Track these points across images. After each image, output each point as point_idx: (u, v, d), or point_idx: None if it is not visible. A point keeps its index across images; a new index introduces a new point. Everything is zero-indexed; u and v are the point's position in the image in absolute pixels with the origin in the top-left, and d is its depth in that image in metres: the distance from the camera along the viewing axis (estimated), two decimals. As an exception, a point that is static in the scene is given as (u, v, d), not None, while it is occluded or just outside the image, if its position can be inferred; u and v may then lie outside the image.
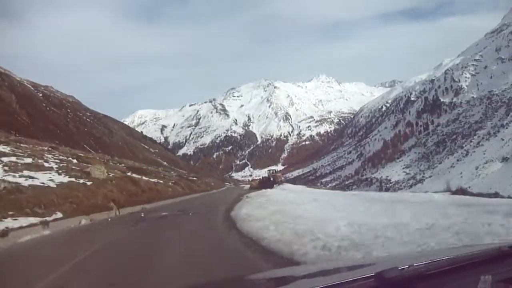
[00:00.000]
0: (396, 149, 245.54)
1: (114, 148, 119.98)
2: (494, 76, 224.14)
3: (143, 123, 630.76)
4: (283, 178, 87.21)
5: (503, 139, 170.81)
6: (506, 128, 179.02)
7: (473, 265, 2.52)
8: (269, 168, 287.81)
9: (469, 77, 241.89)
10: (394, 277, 2.20)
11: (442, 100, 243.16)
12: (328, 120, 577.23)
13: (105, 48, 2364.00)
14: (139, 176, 41.54)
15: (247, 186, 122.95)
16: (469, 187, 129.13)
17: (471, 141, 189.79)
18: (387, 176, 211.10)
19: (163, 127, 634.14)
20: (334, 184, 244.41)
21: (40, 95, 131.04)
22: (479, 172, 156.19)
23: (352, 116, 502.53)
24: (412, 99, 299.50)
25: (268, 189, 48.99)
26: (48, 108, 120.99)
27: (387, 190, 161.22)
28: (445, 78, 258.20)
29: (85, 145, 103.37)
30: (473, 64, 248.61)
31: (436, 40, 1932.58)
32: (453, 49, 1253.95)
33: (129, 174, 39.49)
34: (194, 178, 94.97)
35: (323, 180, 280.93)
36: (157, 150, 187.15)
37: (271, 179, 75.90)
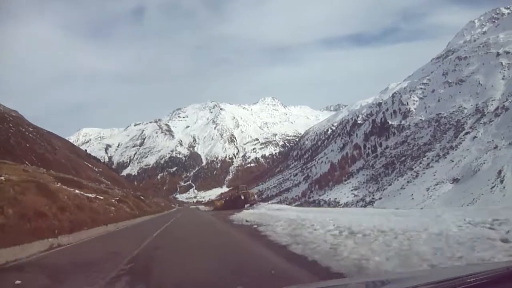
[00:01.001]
0: (343, 171, 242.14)
1: (57, 165, 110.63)
2: (442, 99, 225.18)
3: (87, 141, 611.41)
4: (256, 197, 67.79)
5: (452, 161, 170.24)
6: (455, 149, 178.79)
7: (480, 286, 2.45)
8: (223, 188, 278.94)
9: (417, 100, 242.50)
10: None
11: (390, 122, 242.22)
12: (273, 142, 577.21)
13: (51, 64, 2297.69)
14: (64, 186, 27.71)
15: (203, 207, 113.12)
16: (421, 208, 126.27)
17: (420, 163, 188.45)
18: (335, 198, 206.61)
19: (108, 146, 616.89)
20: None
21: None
22: (430, 193, 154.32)
23: (297, 139, 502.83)
24: (359, 122, 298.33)
25: (245, 211, 38.90)
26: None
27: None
28: (393, 101, 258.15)
29: (26, 162, 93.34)
30: (420, 88, 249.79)
31: (381, 65, 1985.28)
32: (398, 74, 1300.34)
33: (48, 181, 26.90)
34: (142, 197, 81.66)
35: (270, 202, 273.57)
36: (101, 169, 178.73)
37: (242, 197, 61.39)
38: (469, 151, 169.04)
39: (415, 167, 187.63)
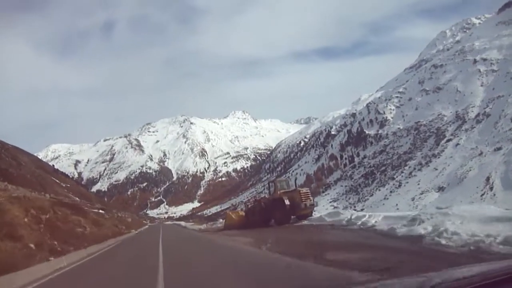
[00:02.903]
0: (320, 183, 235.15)
1: (22, 181, 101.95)
2: (420, 107, 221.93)
3: (56, 157, 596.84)
4: (312, 199, 34.84)
5: (436, 169, 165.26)
6: (438, 157, 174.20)
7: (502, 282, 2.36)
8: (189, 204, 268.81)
9: (393, 109, 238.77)
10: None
11: (367, 132, 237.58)
12: (245, 156, 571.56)
13: (18, 79, 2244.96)
14: None
15: (186, 224, 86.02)
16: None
17: (402, 172, 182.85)
18: (314, 211, 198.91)
19: (77, 162, 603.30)
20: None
21: None
22: (415, 203, 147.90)
23: (268, 152, 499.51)
24: (333, 133, 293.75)
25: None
26: None
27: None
28: (368, 111, 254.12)
29: None
30: (397, 96, 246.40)
31: (351, 78, 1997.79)
32: (368, 86, 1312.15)
33: None
34: (101, 211, 61.89)
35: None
36: (68, 185, 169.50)
37: (287, 202, 30.47)
38: (453, 159, 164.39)
39: (397, 177, 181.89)
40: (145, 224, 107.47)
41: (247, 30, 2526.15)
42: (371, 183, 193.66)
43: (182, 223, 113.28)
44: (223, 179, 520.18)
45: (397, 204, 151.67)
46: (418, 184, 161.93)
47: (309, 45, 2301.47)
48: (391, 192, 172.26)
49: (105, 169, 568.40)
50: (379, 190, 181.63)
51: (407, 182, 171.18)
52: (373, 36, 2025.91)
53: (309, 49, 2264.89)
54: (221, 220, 51.04)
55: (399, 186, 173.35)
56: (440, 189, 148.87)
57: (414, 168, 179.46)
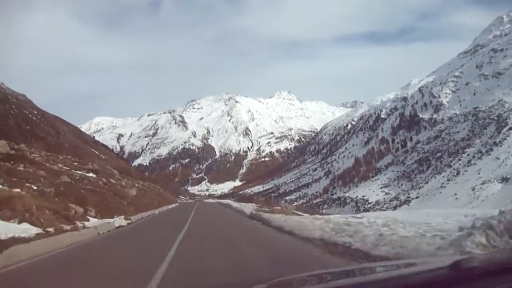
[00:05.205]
0: (370, 166, 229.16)
1: (59, 150, 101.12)
2: (478, 92, 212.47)
3: (99, 130, 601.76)
4: None
5: (498, 158, 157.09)
6: (500, 146, 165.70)
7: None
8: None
9: (449, 93, 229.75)
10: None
11: (420, 116, 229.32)
12: (289, 137, 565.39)
13: (64, 52, 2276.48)
14: None
15: (244, 206, 45.67)
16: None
17: (459, 160, 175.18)
18: (364, 196, 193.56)
19: (120, 136, 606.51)
20: (300, 202, 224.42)
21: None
22: (476, 193, 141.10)
23: (313, 134, 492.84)
24: (383, 116, 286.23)
25: None
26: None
27: (367, 211, 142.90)
28: (422, 94, 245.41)
29: (22, 144, 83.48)
30: (452, 81, 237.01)
31: (396, 63, 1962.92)
32: (417, 71, 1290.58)
33: None
34: (91, 173, 38.82)
35: (288, 197, 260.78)
36: (107, 157, 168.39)
37: None
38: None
39: (454, 164, 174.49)
40: (172, 201, 69.96)
41: (294, 11, 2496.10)
42: (425, 170, 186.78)
43: (231, 202, 72.10)
44: (266, 159, 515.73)
45: (455, 194, 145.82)
46: (479, 174, 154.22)
47: (355, 29, 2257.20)
48: (448, 180, 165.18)
49: (148, 143, 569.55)
50: (435, 177, 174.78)
51: (466, 171, 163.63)
52: (421, 22, 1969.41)
53: (354, 33, 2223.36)
54: None
55: (457, 174, 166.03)
56: (504, 179, 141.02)
57: (474, 156, 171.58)
